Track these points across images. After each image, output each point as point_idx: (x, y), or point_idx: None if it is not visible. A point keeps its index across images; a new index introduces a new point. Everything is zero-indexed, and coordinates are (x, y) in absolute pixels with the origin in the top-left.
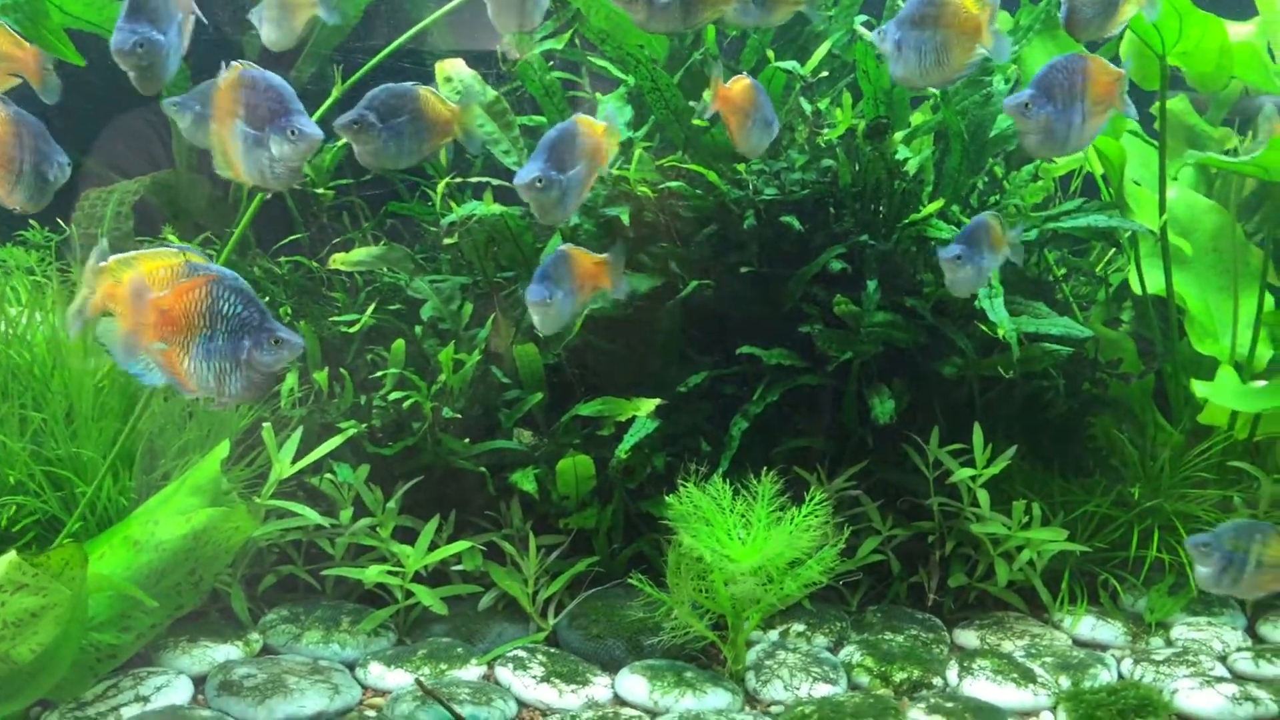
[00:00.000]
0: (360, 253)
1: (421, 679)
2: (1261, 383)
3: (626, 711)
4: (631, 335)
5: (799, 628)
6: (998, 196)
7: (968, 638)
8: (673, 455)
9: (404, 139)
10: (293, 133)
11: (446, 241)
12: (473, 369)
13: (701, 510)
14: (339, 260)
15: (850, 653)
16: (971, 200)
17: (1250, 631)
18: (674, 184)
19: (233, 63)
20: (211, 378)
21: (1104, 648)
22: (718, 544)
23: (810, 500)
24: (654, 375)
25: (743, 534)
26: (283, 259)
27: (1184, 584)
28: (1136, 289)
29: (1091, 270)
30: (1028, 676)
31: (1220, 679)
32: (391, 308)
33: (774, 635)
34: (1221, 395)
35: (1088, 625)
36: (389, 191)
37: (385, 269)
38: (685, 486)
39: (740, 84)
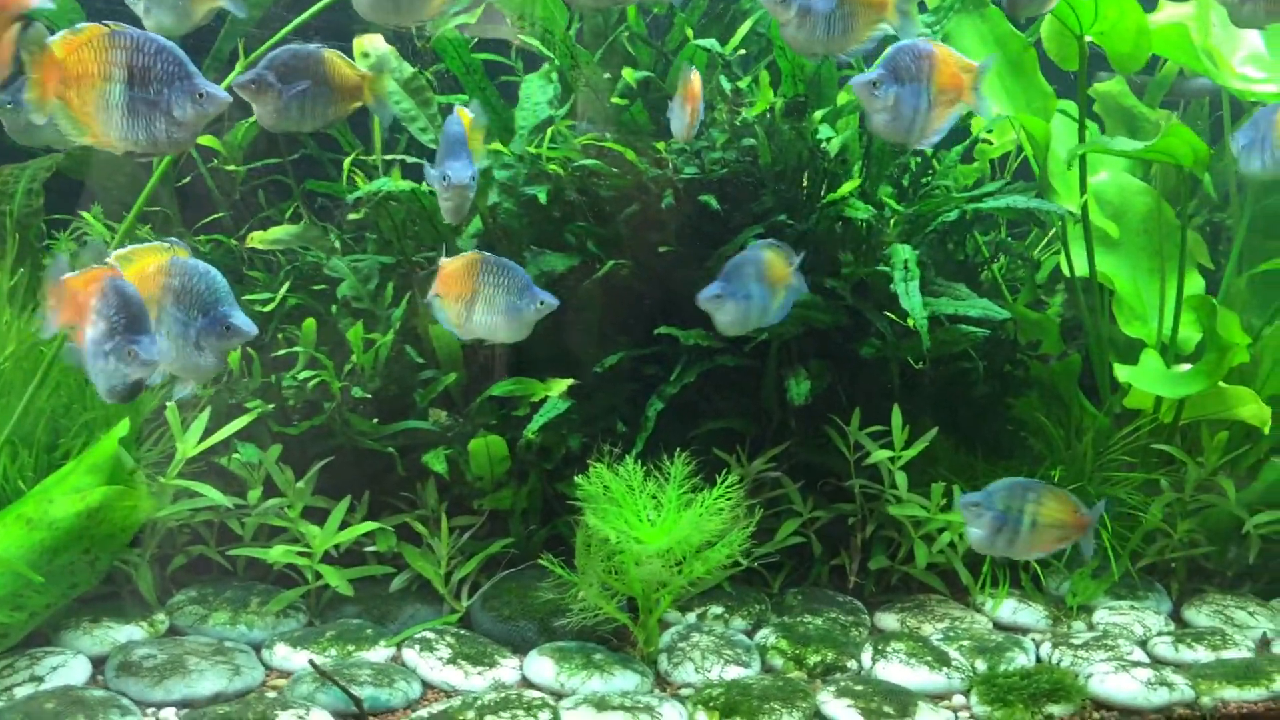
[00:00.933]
0: (277, 231)
1: (314, 659)
2: (1186, 366)
3: (531, 693)
4: (550, 315)
5: (717, 610)
6: (930, 177)
7: (888, 620)
8: (591, 436)
9: (307, 102)
10: (200, 95)
11: (351, 217)
12: (388, 349)
13: (611, 491)
14: (256, 239)
15: (766, 635)
16: (903, 181)
17: (1175, 616)
18: (589, 162)
19: (104, 23)
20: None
21: (1025, 631)
22: (626, 525)
23: (721, 483)
24: (574, 356)
25: (653, 516)
26: (203, 238)
27: (1108, 568)
28: (1068, 271)
29: (1022, 253)
30: (942, 660)
31: (1137, 663)
32: (317, 288)
33: (691, 618)
34: (1143, 379)
35: (1009, 608)
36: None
37: (304, 248)
38: (594, 467)
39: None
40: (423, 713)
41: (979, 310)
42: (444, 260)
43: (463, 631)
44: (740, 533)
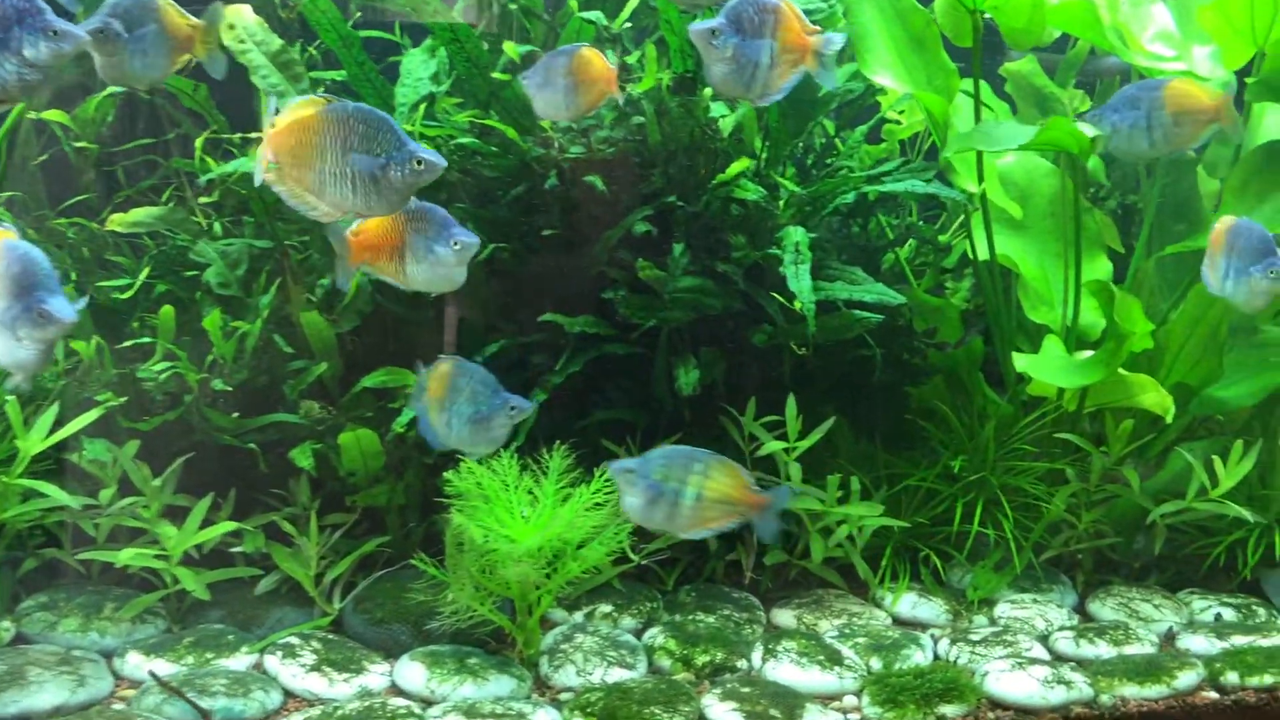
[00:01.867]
0: (138, 213)
1: (154, 670)
2: (1087, 353)
3: (397, 702)
4: (433, 303)
5: (606, 609)
6: (834, 158)
7: (785, 617)
8: None
9: (148, 52)
10: (54, 32)
11: (203, 201)
12: (256, 338)
13: (483, 487)
14: (116, 221)
15: (654, 635)
16: (808, 161)
17: (1080, 609)
18: (466, 140)
19: None
20: None
21: (924, 627)
22: (497, 522)
23: (601, 476)
24: (457, 344)
25: (528, 512)
26: (64, 220)
27: (1011, 560)
28: (975, 255)
29: (927, 236)
30: (835, 659)
31: (1036, 660)
32: (189, 274)
33: (578, 617)
34: (1039, 368)
35: (908, 603)
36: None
37: (171, 232)
38: (466, 461)
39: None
40: None
41: (874, 295)
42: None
43: (331, 636)
44: (620, 529)
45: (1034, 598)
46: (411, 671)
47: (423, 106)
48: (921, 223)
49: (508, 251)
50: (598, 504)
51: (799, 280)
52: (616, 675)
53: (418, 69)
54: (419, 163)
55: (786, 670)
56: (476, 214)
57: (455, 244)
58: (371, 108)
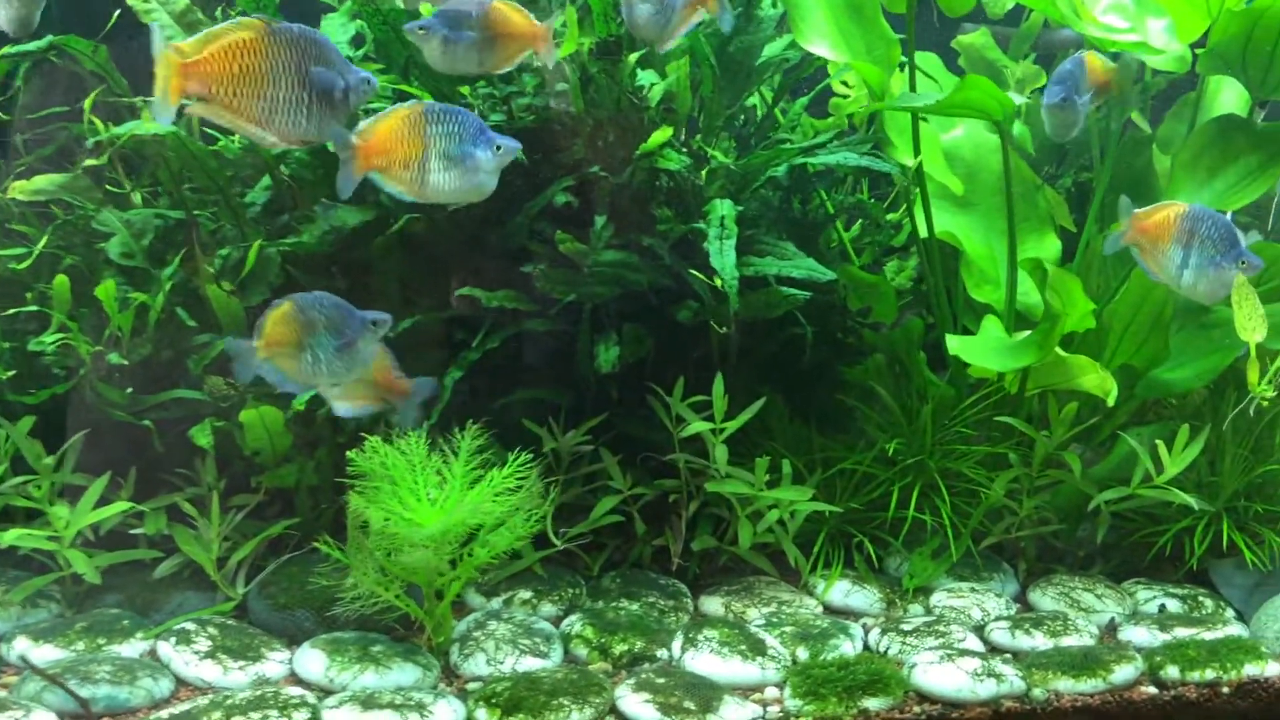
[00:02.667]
0: (40, 180)
1: (27, 656)
2: (1026, 333)
3: (291, 691)
4: (346, 275)
5: (525, 595)
6: (776, 130)
7: (713, 605)
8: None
9: None
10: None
11: (90, 163)
12: (160, 311)
13: (387, 467)
14: (17, 189)
15: (572, 623)
16: (748, 132)
17: (1021, 598)
18: (376, 105)
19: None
20: None
21: (857, 616)
22: (400, 505)
23: (515, 459)
24: None
25: (434, 495)
26: None
27: (949, 547)
28: (923, 231)
29: (868, 211)
30: (758, 649)
31: (967, 652)
32: (100, 245)
33: (496, 603)
34: (970, 350)
35: (841, 591)
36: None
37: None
38: (370, 440)
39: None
40: (164, 714)
41: (802, 271)
42: (369, 123)
43: (230, 622)
44: (533, 514)
45: (972, 586)
46: (311, 659)
47: None
48: (873, 200)
49: (423, 223)
50: (510, 489)
51: (722, 255)
52: (529, 664)
53: (336, 33)
54: (368, 81)
55: (706, 661)
56: None
57: (497, 147)
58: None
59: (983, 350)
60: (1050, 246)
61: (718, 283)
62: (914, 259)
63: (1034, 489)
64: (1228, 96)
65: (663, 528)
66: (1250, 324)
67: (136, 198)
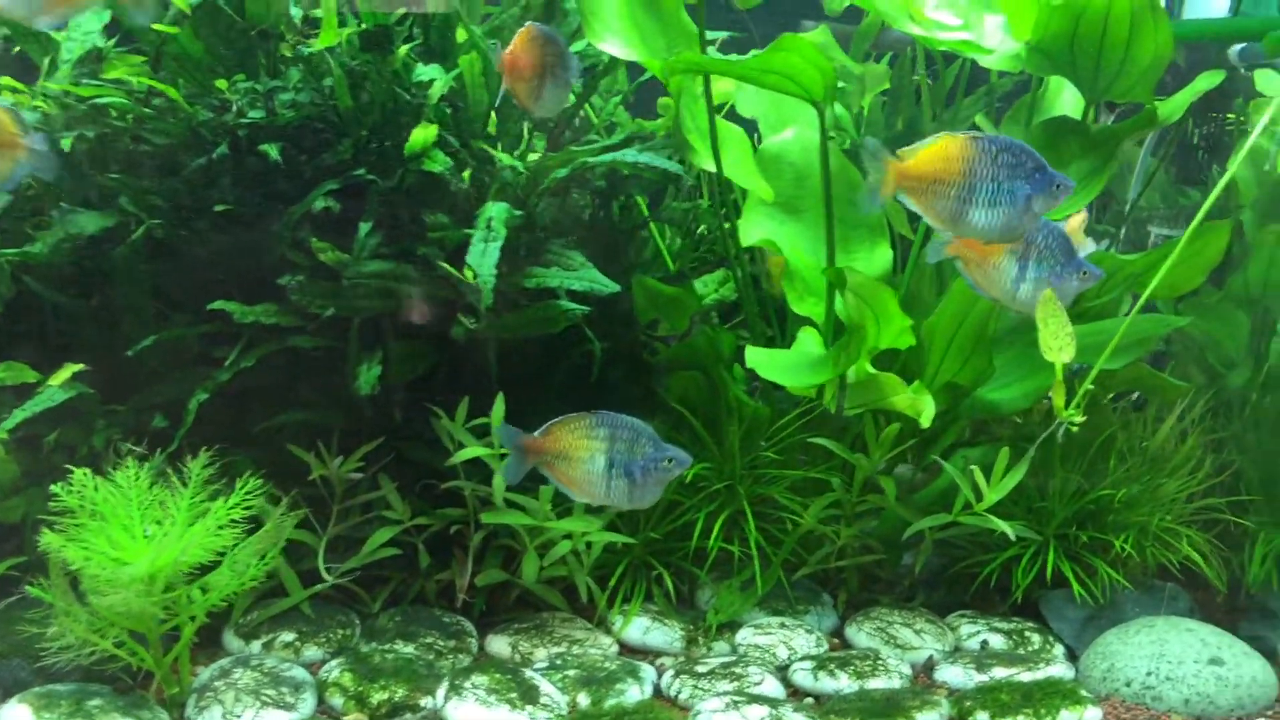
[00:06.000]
0: None
1: None
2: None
3: None
4: (88, 286)
5: (288, 637)
6: (591, 132)
7: (499, 645)
8: (136, 432)
9: None
10: None
11: None
12: None
13: (94, 502)
14: None
15: (331, 669)
16: (564, 135)
17: (839, 633)
18: (114, 100)
19: None
20: None
21: (656, 655)
22: (109, 543)
23: (242, 488)
24: (124, 335)
25: (152, 530)
26: None
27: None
28: (745, 241)
29: (675, 218)
30: (530, 696)
31: (758, 699)
32: None
33: (256, 647)
34: (766, 365)
35: (640, 628)
36: None
37: None
38: (76, 473)
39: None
40: None
41: (584, 284)
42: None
43: None
44: (245, 548)
45: (783, 622)
46: (17, 715)
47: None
48: (702, 205)
49: (185, 230)
50: (235, 520)
51: (484, 256)
52: (271, 718)
53: (88, 20)
54: None
55: (469, 710)
56: (131, 185)
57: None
58: None
59: (780, 365)
60: (882, 256)
61: (469, 275)
62: (721, 271)
63: (854, 515)
64: (1068, 97)
65: (448, 561)
66: (1056, 344)
67: None
